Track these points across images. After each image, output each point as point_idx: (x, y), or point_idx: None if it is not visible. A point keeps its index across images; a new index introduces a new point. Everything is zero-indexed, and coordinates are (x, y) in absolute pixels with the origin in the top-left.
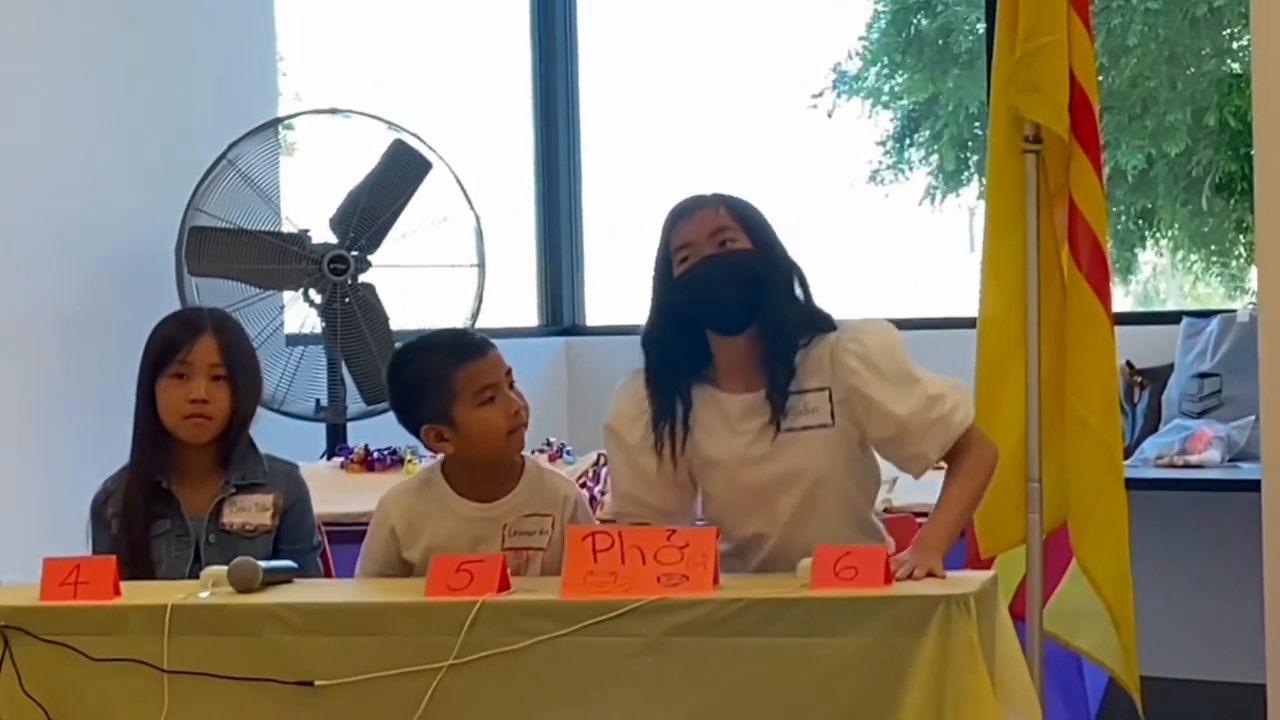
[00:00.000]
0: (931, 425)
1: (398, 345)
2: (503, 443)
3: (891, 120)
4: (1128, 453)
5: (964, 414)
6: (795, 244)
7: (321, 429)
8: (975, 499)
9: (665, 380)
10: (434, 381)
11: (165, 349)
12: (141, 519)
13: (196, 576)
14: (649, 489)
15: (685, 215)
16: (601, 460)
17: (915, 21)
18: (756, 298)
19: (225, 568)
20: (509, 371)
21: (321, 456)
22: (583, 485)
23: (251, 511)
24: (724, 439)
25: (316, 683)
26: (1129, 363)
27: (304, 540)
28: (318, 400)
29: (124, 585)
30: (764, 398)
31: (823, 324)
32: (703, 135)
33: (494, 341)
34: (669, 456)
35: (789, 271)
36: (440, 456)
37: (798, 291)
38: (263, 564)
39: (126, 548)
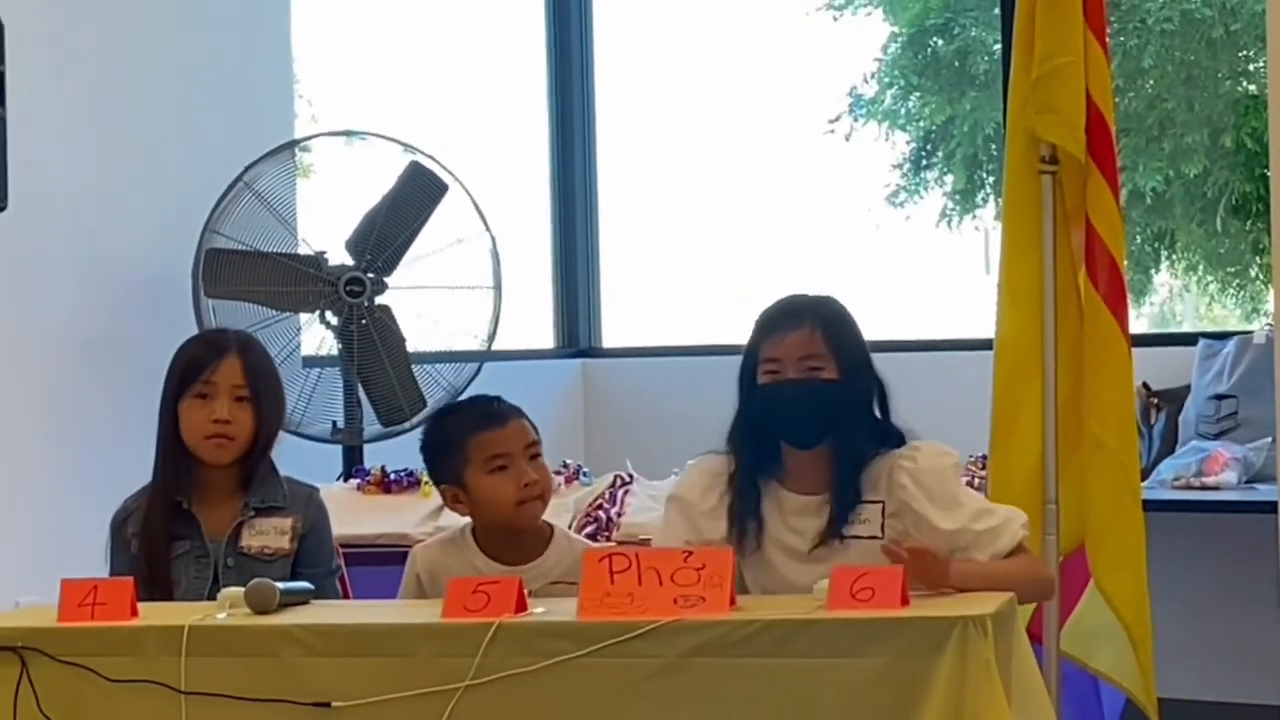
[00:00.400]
0: (979, 536)
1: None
2: (511, 512)
3: (908, 143)
4: (1144, 474)
5: (1014, 530)
6: (813, 267)
7: (338, 451)
8: (1014, 580)
9: (747, 478)
10: (450, 444)
11: (189, 369)
12: (161, 540)
13: (215, 598)
14: None
15: (778, 331)
16: (618, 482)
17: (932, 44)
18: (832, 423)
19: (242, 589)
20: (532, 444)
21: (338, 478)
22: (599, 507)
23: (270, 535)
24: (778, 533)
25: (334, 704)
26: (1145, 384)
27: (323, 564)
28: (334, 422)
29: (141, 606)
30: (823, 503)
31: (891, 441)
32: (720, 159)
33: (523, 412)
34: (745, 552)
35: (870, 392)
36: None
37: (876, 410)
38: (280, 585)
39: (145, 568)
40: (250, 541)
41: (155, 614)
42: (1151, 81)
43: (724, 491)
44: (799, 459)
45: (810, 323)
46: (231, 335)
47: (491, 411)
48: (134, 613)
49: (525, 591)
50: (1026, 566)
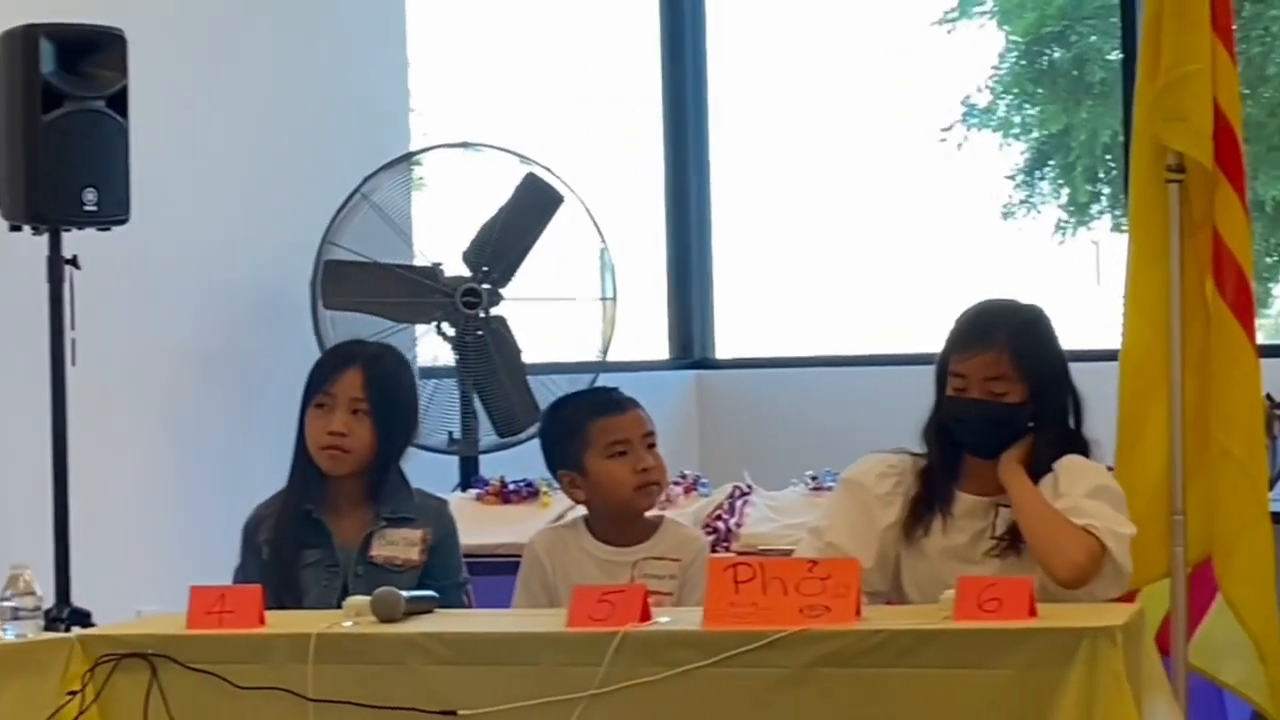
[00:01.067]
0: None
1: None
2: (628, 496)
3: (1022, 153)
4: (1272, 484)
5: (1106, 529)
6: (925, 277)
7: (454, 461)
8: (1048, 522)
9: (938, 471)
10: (571, 430)
11: (315, 378)
12: (291, 548)
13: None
14: (862, 541)
15: (968, 348)
16: (736, 493)
17: (1048, 53)
18: (1011, 441)
19: (368, 598)
20: (649, 434)
21: (454, 489)
22: (717, 518)
23: (400, 546)
24: (942, 529)
25: (459, 712)
26: (1269, 395)
27: (451, 576)
28: (450, 433)
29: (268, 615)
30: (990, 505)
31: (1075, 452)
32: (833, 167)
33: (638, 402)
34: (911, 540)
35: (1060, 407)
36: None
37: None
38: (405, 594)
39: (276, 576)
40: (380, 552)
41: (282, 622)
42: (1273, 89)
43: (899, 481)
44: (978, 461)
45: (1001, 343)
46: (360, 347)
47: (612, 399)
48: (261, 620)
49: (632, 565)
50: (1073, 530)
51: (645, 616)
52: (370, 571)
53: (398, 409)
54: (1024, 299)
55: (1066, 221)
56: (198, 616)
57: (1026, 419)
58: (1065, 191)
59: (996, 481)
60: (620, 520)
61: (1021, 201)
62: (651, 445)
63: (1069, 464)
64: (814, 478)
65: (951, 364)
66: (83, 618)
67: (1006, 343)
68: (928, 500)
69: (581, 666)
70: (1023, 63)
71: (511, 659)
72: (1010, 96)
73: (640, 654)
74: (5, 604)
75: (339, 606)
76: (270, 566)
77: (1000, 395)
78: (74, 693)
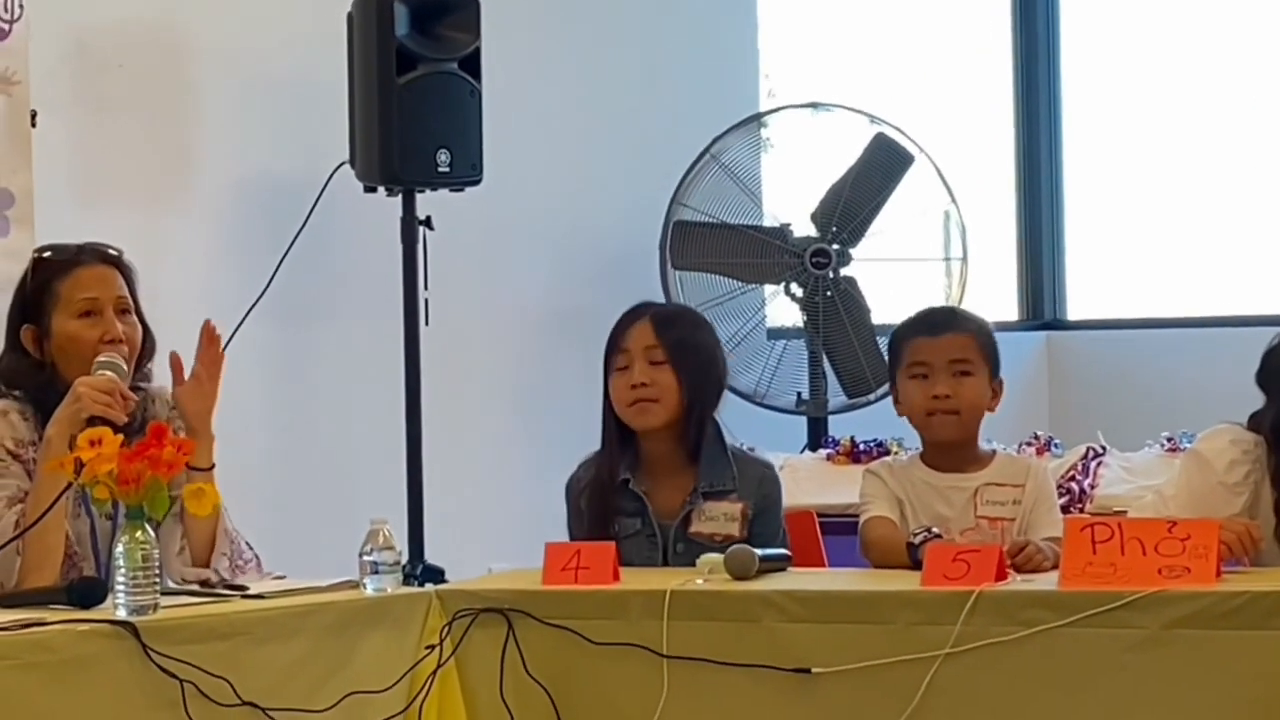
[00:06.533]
0: None
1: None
2: (920, 421)
3: None
4: None
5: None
6: None
7: (802, 422)
8: None
9: None
10: (893, 347)
11: (611, 341)
12: (608, 518)
13: None
14: None
15: None
16: (1090, 454)
17: None
18: None
19: (721, 555)
20: (959, 360)
21: (803, 449)
22: (1070, 479)
23: (720, 521)
24: None
25: (813, 670)
26: None
27: (770, 545)
28: (799, 393)
29: (623, 571)
30: None
31: None
32: (1190, 123)
33: (970, 325)
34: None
35: None
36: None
37: None
38: (758, 551)
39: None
40: (700, 528)
41: (637, 578)
42: None
43: (1250, 471)
44: None
45: None
46: (650, 304)
47: (932, 319)
48: (616, 577)
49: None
50: None
51: (1001, 575)
52: (690, 548)
53: (694, 354)
54: None
55: None
56: (553, 572)
57: None
58: None
59: None
60: (952, 446)
61: None
62: (962, 373)
63: None
64: (1169, 439)
65: None
66: (436, 574)
67: None
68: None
69: (936, 625)
70: None
71: (866, 617)
72: None
73: (995, 613)
74: (365, 558)
75: None
76: (591, 538)
77: None
78: (432, 646)
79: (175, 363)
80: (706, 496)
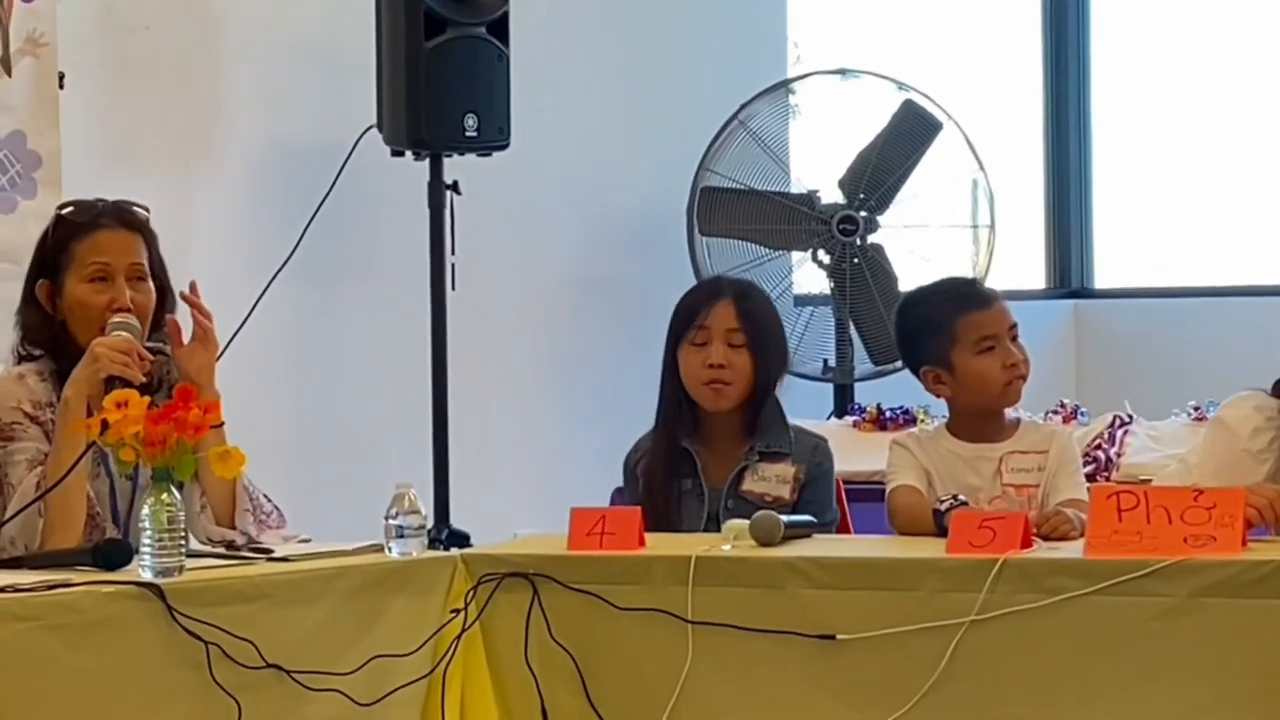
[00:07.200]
0: None
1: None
2: (998, 392)
3: None
4: None
5: None
6: None
7: (829, 389)
8: None
9: None
10: (936, 325)
11: (687, 315)
12: (664, 481)
13: None
14: None
15: None
16: (1117, 422)
17: None
18: None
19: (746, 521)
20: (1013, 326)
21: (829, 416)
22: (1097, 447)
23: (772, 482)
24: None
25: (838, 636)
26: None
27: (821, 515)
28: (825, 360)
29: (648, 537)
30: None
31: None
32: (1219, 91)
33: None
34: None
35: None
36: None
37: None
38: (783, 518)
39: (654, 510)
40: (752, 487)
41: (662, 544)
42: None
43: (1275, 437)
44: None
45: None
46: (728, 282)
47: (976, 292)
48: (641, 542)
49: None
50: None
51: (1026, 543)
52: (740, 505)
53: (771, 339)
54: None
55: None
56: (578, 538)
57: None
58: None
59: None
60: (985, 417)
61: None
62: (1015, 337)
63: None
64: (1196, 408)
65: None
66: (461, 539)
67: None
68: None
69: (961, 593)
70: None
71: (890, 584)
72: None
73: (1020, 581)
74: (391, 522)
75: None
76: (644, 500)
77: None
78: (457, 611)
79: (172, 328)
80: (762, 456)
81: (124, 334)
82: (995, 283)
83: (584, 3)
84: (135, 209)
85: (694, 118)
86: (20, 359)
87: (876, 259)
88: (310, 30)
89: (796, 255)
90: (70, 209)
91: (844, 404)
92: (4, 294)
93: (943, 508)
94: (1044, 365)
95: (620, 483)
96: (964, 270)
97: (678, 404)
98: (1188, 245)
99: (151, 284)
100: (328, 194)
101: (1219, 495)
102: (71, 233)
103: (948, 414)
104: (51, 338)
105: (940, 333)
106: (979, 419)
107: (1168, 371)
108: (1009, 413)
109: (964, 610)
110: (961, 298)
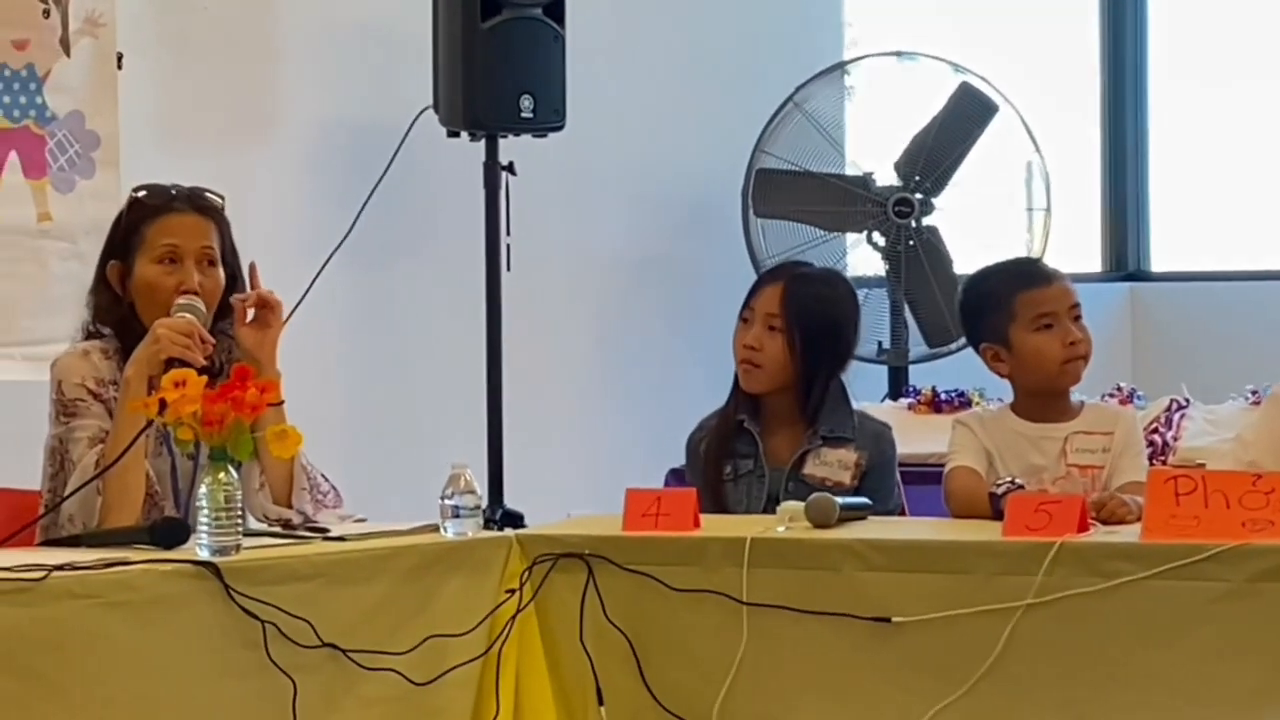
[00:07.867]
0: None
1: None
2: (1055, 370)
3: None
4: None
5: None
6: None
7: (883, 371)
8: None
9: None
10: (996, 302)
11: (748, 294)
12: (722, 461)
13: None
14: None
15: None
16: (1174, 406)
17: None
18: None
19: (801, 503)
20: (1075, 306)
21: (883, 398)
22: (1154, 431)
23: (833, 467)
24: None
25: (894, 619)
26: None
27: (881, 503)
28: (880, 342)
29: (703, 518)
30: None
31: None
32: (1278, 76)
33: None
34: None
35: None
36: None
37: None
38: (839, 500)
39: (707, 487)
40: (813, 470)
41: (717, 526)
42: None
43: None
44: None
45: None
46: (791, 265)
47: (1038, 270)
48: (696, 523)
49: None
50: None
51: (1083, 527)
52: (800, 488)
53: (817, 325)
54: None
55: None
56: (633, 518)
57: None
58: None
59: None
60: (1045, 395)
61: None
62: (1077, 317)
63: None
64: (1253, 391)
65: None
66: (516, 519)
67: None
68: None
69: (1017, 576)
70: None
71: (946, 567)
72: None
73: (1077, 564)
74: (446, 502)
75: None
76: (703, 479)
77: None
78: (512, 591)
79: (236, 306)
80: (825, 441)
81: (188, 315)
82: (1050, 264)
83: None
84: (209, 195)
85: (749, 99)
86: (88, 336)
87: (932, 241)
88: (367, 11)
89: (851, 237)
90: (144, 192)
91: (899, 386)
92: (63, 271)
93: (999, 491)
94: (1100, 349)
95: (673, 463)
96: (1019, 253)
97: (738, 381)
98: (1244, 228)
99: (221, 270)
100: (384, 174)
101: (1278, 480)
102: (143, 215)
103: (1002, 397)
104: (120, 319)
105: (999, 309)
106: (1042, 399)
107: (1224, 355)
108: (1073, 394)
109: (1020, 594)
110: (1022, 275)
